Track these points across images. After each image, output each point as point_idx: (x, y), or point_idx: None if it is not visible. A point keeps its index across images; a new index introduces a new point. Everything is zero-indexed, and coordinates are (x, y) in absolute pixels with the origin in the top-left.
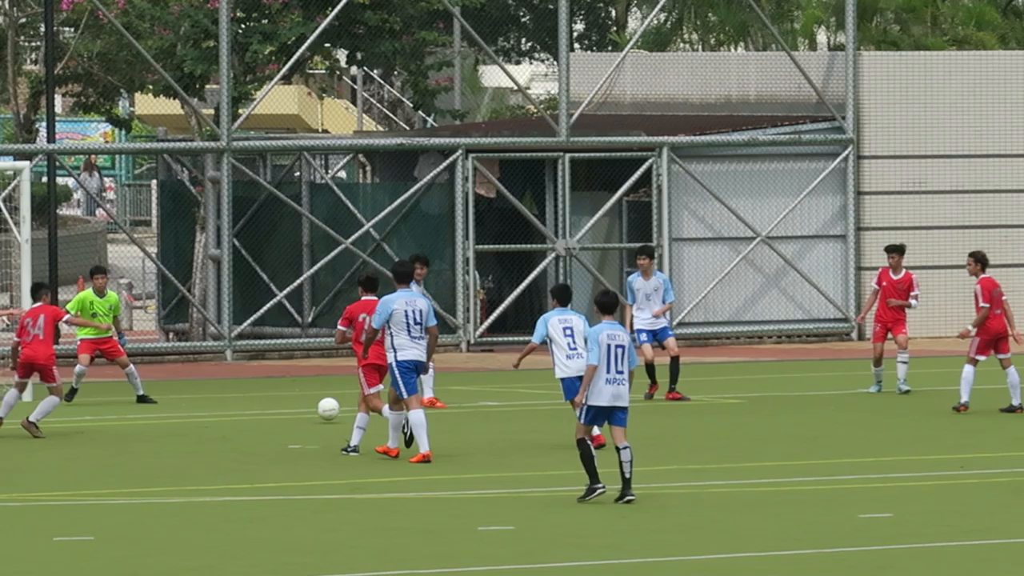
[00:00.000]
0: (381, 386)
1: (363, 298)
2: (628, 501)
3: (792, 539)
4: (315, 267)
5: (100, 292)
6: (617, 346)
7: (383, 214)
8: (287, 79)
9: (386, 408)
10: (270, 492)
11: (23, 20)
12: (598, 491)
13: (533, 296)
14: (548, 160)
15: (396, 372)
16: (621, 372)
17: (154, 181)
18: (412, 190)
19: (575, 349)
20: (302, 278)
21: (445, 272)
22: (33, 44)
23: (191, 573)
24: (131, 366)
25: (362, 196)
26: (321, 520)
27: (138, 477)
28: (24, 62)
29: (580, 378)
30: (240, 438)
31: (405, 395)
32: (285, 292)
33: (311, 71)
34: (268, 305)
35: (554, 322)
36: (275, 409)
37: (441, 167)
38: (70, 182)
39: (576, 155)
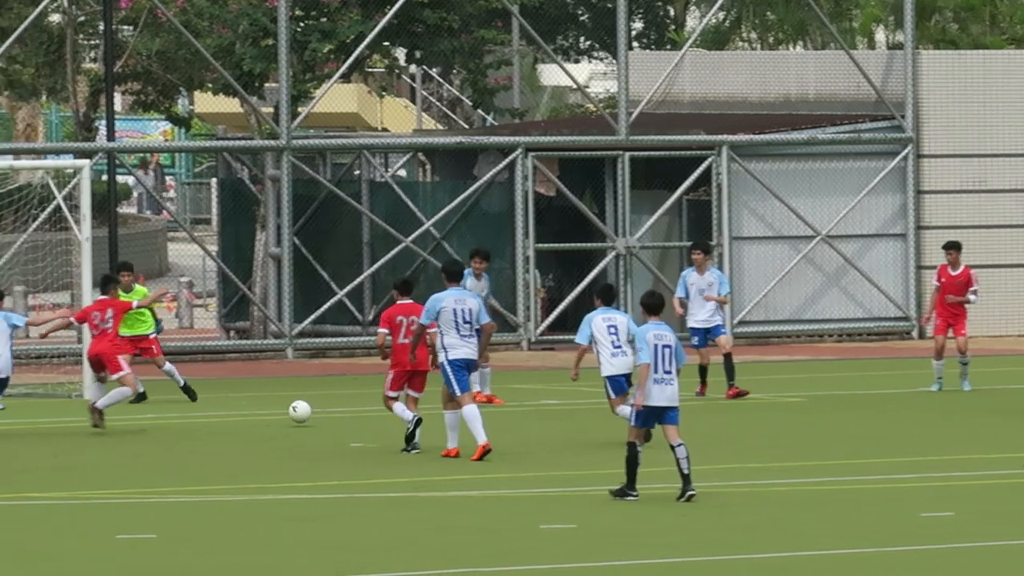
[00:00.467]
0: (401, 392)
1: (398, 302)
2: (690, 497)
3: (853, 538)
4: (375, 265)
5: (127, 289)
6: (664, 346)
7: (443, 212)
8: (346, 77)
9: (399, 407)
10: (331, 490)
11: (82, 18)
12: (630, 497)
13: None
14: (608, 159)
15: (448, 371)
16: (669, 372)
17: (214, 179)
18: (472, 188)
19: (619, 347)
20: (362, 276)
21: (505, 271)
22: (92, 42)
23: (253, 571)
24: (168, 364)
25: (422, 194)
26: (382, 518)
27: (200, 475)
28: (83, 60)
29: (625, 376)
30: (301, 436)
31: (458, 393)
32: (345, 291)
33: (370, 69)
34: (328, 304)
35: (598, 321)
36: (336, 407)
37: (501, 166)
38: (130, 180)
39: (636, 154)
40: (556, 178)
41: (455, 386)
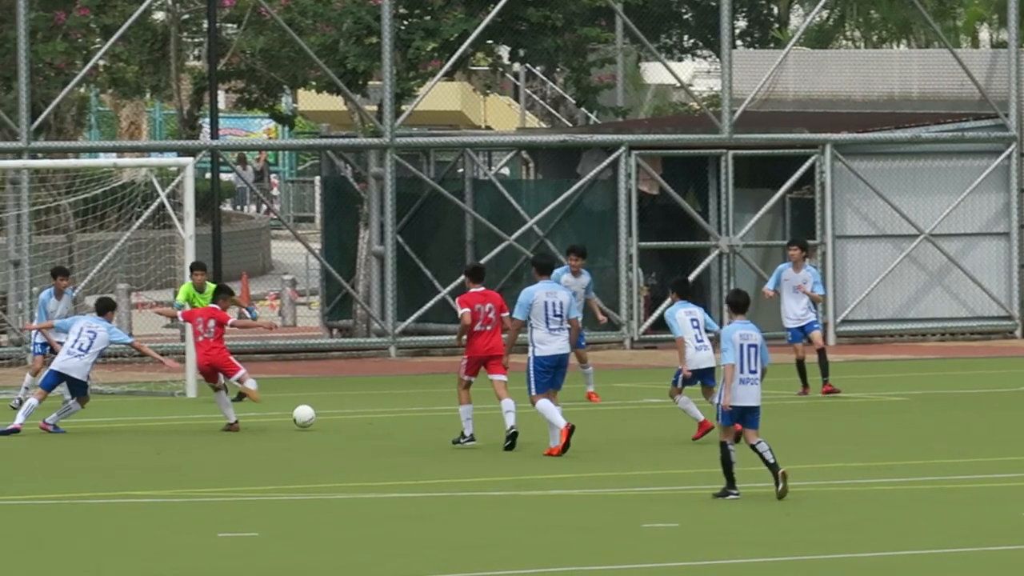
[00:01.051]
0: (473, 377)
1: (471, 289)
2: (783, 480)
3: (954, 537)
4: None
5: (200, 289)
6: (750, 345)
7: (546, 211)
8: (450, 76)
9: (505, 403)
10: (434, 489)
11: (186, 16)
12: (731, 496)
13: (696, 293)
14: (711, 157)
15: (531, 369)
16: (754, 372)
17: (317, 177)
18: (575, 187)
19: (701, 341)
20: (462, 277)
21: (608, 269)
22: (196, 40)
23: (356, 570)
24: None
25: (525, 192)
26: (485, 517)
27: (303, 473)
28: (187, 58)
29: (707, 370)
30: (404, 435)
31: (533, 392)
32: (448, 289)
33: (474, 67)
34: (432, 302)
35: (681, 315)
36: (439, 406)
37: (604, 164)
38: (234, 178)
39: (739, 152)
40: (659, 176)
41: (532, 386)
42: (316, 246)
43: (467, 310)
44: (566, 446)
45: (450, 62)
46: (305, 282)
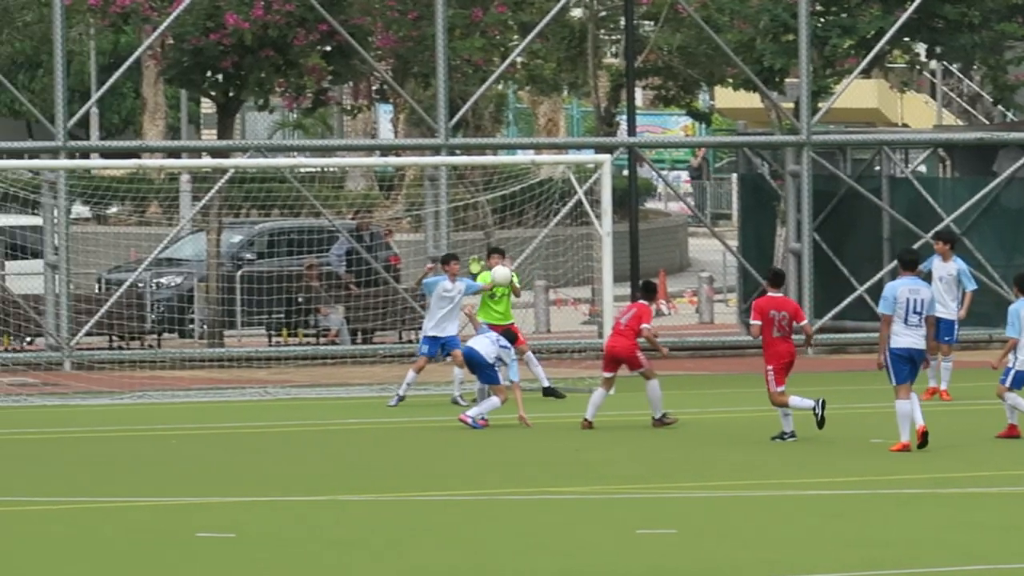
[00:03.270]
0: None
1: (770, 293)
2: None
3: None
4: (895, 262)
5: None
6: (918, 299)
7: (962, 209)
8: (866, 73)
9: (785, 403)
10: (852, 486)
11: (603, 13)
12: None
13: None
14: None
15: (888, 360)
16: (919, 313)
17: (734, 175)
18: (991, 185)
19: (919, 314)
20: (882, 272)
21: None
22: (613, 38)
23: (776, 566)
24: (529, 352)
25: (941, 191)
26: (904, 514)
27: (721, 469)
28: (604, 55)
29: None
30: (818, 431)
31: (894, 383)
32: (866, 286)
33: (890, 65)
34: (849, 299)
35: (902, 291)
36: (858, 403)
37: (1021, 162)
38: (651, 175)
39: None
40: None
41: (892, 376)
42: (733, 243)
43: (755, 322)
44: (920, 444)
45: (867, 59)
46: (722, 279)
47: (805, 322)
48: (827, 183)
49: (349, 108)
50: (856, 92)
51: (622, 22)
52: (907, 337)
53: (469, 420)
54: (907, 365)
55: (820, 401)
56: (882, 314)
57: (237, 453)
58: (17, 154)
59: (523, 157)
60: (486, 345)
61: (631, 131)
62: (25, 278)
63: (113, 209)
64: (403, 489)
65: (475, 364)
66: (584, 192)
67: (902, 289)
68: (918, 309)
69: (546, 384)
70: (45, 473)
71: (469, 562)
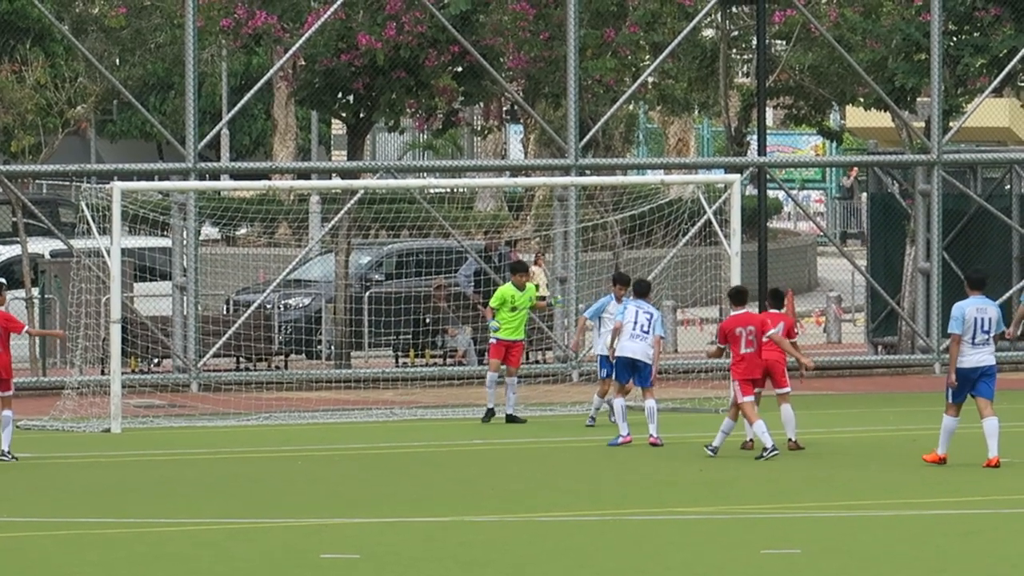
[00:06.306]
0: (753, 397)
1: (732, 313)
2: None
3: None
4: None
5: (520, 287)
6: (985, 318)
7: None
8: (998, 92)
9: (751, 419)
10: (979, 505)
11: (735, 33)
12: None
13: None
14: None
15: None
16: (987, 332)
17: (864, 194)
18: None
19: (987, 332)
20: (1011, 291)
21: None
22: (744, 57)
23: None
24: (513, 378)
25: None
26: None
27: (846, 489)
28: (736, 75)
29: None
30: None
31: (948, 400)
32: (998, 302)
33: (1022, 84)
34: None
35: (970, 311)
36: (978, 423)
37: None
38: (780, 195)
39: None
40: None
41: (948, 395)
42: (862, 262)
43: (719, 346)
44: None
45: (999, 78)
46: (850, 299)
47: (803, 359)
48: (957, 202)
49: (479, 129)
50: (987, 111)
51: (753, 42)
52: (974, 356)
53: (656, 439)
54: (970, 383)
55: (773, 448)
56: (951, 334)
57: (362, 474)
58: (148, 176)
59: (652, 177)
60: (643, 348)
61: (761, 151)
62: (153, 300)
63: (242, 230)
64: (529, 510)
65: (638, 367)
66: (713, 212)
67: (970, 309)
68: (986, 328)
69: (510, 411)
70: (171, 494)
71: None
